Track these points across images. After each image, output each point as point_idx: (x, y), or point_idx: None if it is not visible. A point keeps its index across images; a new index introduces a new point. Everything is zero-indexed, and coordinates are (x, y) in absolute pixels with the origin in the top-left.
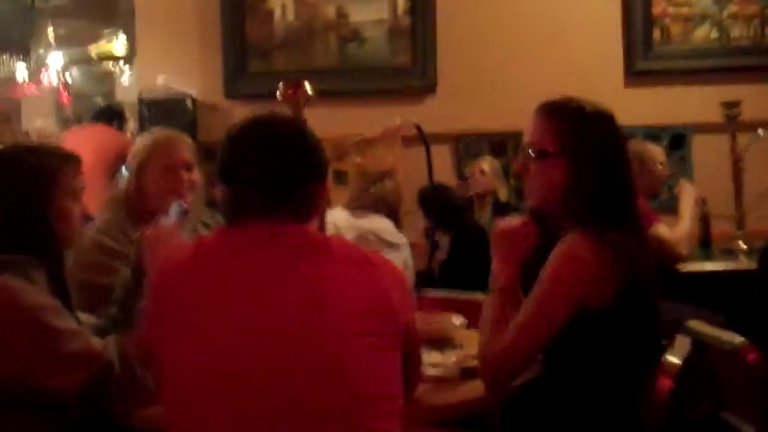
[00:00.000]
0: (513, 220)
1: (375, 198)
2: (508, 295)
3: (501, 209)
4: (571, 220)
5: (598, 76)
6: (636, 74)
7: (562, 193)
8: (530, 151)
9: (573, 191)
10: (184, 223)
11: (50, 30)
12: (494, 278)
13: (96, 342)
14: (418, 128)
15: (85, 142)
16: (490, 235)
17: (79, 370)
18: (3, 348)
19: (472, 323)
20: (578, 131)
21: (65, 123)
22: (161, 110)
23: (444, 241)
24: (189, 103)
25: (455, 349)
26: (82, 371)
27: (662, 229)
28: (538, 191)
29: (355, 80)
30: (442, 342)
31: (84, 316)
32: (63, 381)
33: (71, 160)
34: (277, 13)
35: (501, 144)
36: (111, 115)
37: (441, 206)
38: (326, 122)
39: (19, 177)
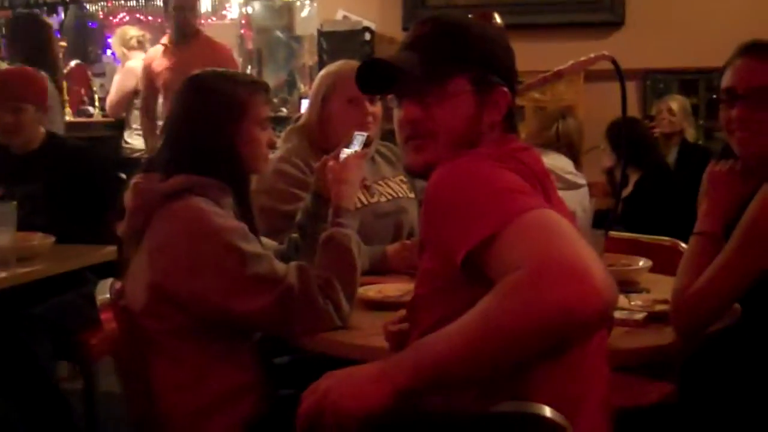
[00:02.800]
0: (728, 164)
1: (556, 136)
2: (711, 240)
3: (688, 151)
4: None
5: None
6: None
7: None
8: (751, 96)
9: None
10: (366, 153)
11: None
12: (699, 221)
13: (279, 266)
14: (614, 61)
15: None
16: (704, 175)
17: (263, 292)
18: (191, 268)
19: (657, 267)
20: None
21: (247, 55)
22: (339, 42)
23: (631, 177)
24: (367, 35)
25: (641, 293)
26: (266, 294)
27: None
28: (754, 140)
29: (539, 14)
30: (626, 285)
31: (265, 241)
32: (247, 302)
33: (261, 88)
34: None
35: (691, 82)
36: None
37: (632, 141)
38: None
39: (211, 103)
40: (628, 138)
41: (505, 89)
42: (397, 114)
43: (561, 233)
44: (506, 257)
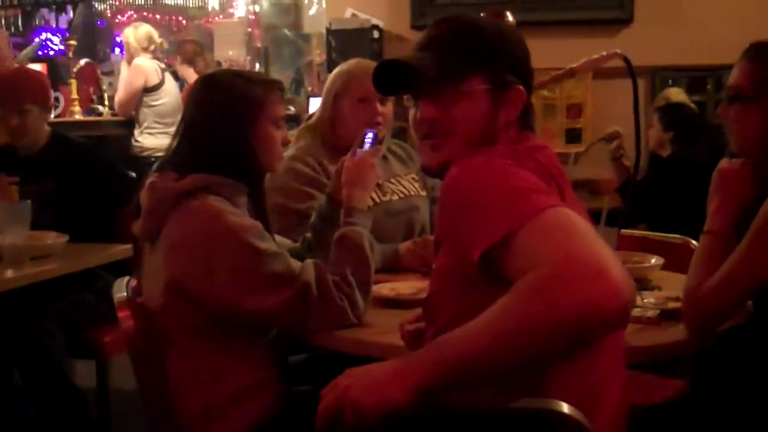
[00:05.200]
0: (737, 162)
1: None
2: (722, 239)
3: None
4: None
5: None
6: None
7: (762, 143)
8: (729, 94)
9: None
10: (377, 151)
11: None
12: (709, 220)
13: (295, 264)
14: (626, 60)
15: None
16: (714, 173)
17: (278, 290)
18: (208, 267)
19: (668, 264)
20: None
21: (255, 54)
22: (348, 40)
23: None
24: (376, 33)
25: (653, 291)
26: (282, 292)
27: None
28: (737, 138)
29: (548, 11)
30: (638, 282)
31: (279, 239)
32: (263, 300)
33: (276, 87)
34: None
35: (700, 79)
36: None
37: (686, 122)
38: None
39: (227, 102)
40: (682, 119)
41: (521, 88)
42: (413, 113)
43: (578, 231)
44: (524, 256)
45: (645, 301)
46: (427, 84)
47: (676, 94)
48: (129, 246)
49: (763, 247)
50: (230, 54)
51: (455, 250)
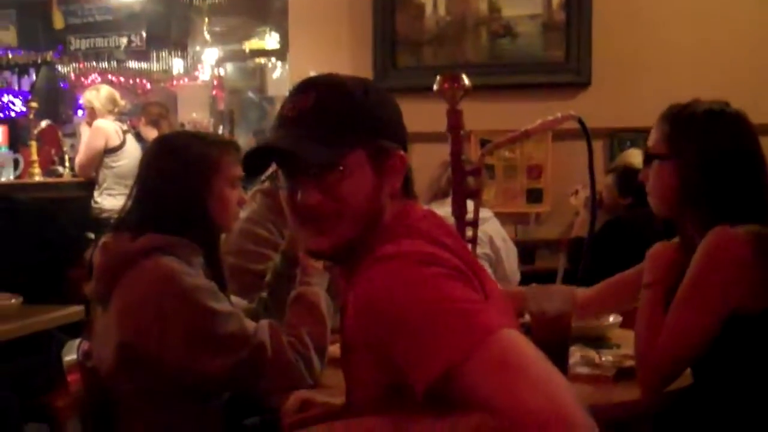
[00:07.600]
0: (668, 246)
1: (447, 184)
2: (662, 288)
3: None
4: (697, 224)
5: (764, 69)
6: None
7: (679, 199)
8: (647, 155)
9: (689, 196)
10: None
11: (206, 27)
12: (647, 272)
13: (250, 324)
14: (580, 121)
15: None
16: (647, 255)
17: (233, 351)
18: (161, 329)
19: (627, 322)
20: (690, 133)
21: (219, 116)
22: None
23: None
24: None
25: (611, 349)
26: (236, 352)
27: None
28: (653, 196)
29: (506, 75)
30: (597, 341)
31: (235, 300)
32: (217, 362)
33: (232, 148)
34: (429, 8)
35: None
36: None
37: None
38: (476, 117)
39: (183, 163)
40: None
41: (401, 152)
42: (286, 193)
43: (528, 364)
44: (474, 391)
45: (603, 359)
46: (307, 167)
47: (636, 156)
48: (82, 308)
49: (701, 309)
50: (194, 116)
51: (387, 367)
